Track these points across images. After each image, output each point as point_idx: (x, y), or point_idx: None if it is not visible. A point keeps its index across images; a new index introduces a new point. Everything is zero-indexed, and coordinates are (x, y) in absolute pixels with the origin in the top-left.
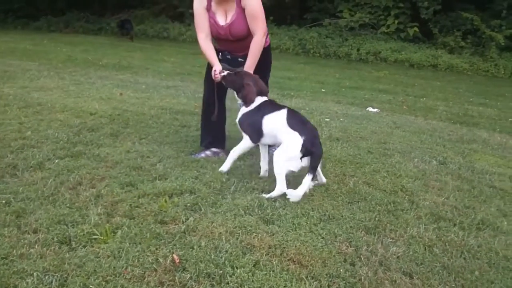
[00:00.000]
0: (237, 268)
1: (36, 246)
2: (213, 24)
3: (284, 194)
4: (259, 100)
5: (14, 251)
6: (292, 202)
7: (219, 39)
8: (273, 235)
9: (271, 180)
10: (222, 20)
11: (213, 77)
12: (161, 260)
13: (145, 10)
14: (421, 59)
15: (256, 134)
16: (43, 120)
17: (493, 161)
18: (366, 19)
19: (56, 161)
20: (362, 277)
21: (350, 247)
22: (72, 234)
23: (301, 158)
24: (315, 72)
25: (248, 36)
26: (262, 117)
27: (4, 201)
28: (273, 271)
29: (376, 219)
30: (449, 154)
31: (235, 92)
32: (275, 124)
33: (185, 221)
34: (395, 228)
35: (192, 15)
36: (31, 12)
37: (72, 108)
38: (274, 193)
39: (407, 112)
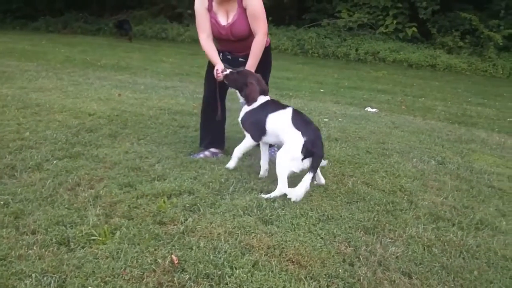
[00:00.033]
0: (236, 268)
1: (35, 247)
2: (214, 24)
3: (284, 194)
4: (262, 99)
5: (13, 252)
6: (293, 201)
7: (221, 39)
8: (272, 235)
9: (270, 180)
10: (223, 20)
11: (216, 76)
12: (160, 260)
13: (144, 11)
14: (420, 59)
15: (259, 132)
16: (41, 121)
17: (492, 161)
18: (364, 19)
19: (55, 162)
20: (361, 277)
21: (349, 247)
22: (70, 235)
23: (303, 159)
24: (313, 72)
25: (249, 36)
26: (266, 116)
27: (2, 202)
28: (272, 271)
29: (375, 219)
30: (448, 154)
31: (237, 91)
32: (279, 122)
33: (184, 222)
34: (394, 228)
35: (190, 15)
36: (29, 13)
37: (71, 109)
38: (274, 193)
39: (406, 112)
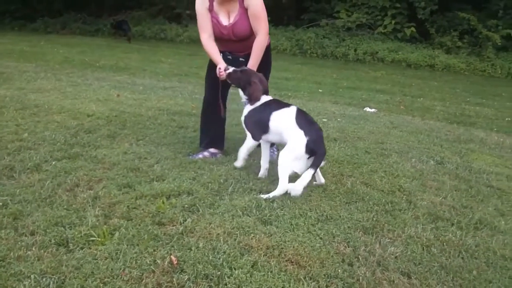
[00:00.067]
0: (235, 269)
1: (34, 248)
2: (216, 24)
3: (283, 195)
4: (265, 98)
5: (11, 253)
6: (292, 196)
7: (222, 39)
8: (271, 235)
9: (269, 181)
10: (225, 20)
11: (218, 75)
12: (159, 261)
13: (142, 11)
14: (418, 59)
15: (260, 131)
16: (40, 121)
17: (491, 160)
18: (363, 20)
19: (53, 163)
20: (360, 278)
21: (348, 247)
22: (69, 236)
23: (308, 158)
24: (312, 73)
25: (250, 36)
26: (270, 114)
27: (1, 203)
28: (271, 272)
29: (374, 219)
30: (447, 154)
31: (239, 90)
32: (283, 120)
33: (183, 222)
34: (393, 228)
35: (189, 16)
36: (28, 14)
37: (69, 109)
38: (274, 193)
39: (404, 112)
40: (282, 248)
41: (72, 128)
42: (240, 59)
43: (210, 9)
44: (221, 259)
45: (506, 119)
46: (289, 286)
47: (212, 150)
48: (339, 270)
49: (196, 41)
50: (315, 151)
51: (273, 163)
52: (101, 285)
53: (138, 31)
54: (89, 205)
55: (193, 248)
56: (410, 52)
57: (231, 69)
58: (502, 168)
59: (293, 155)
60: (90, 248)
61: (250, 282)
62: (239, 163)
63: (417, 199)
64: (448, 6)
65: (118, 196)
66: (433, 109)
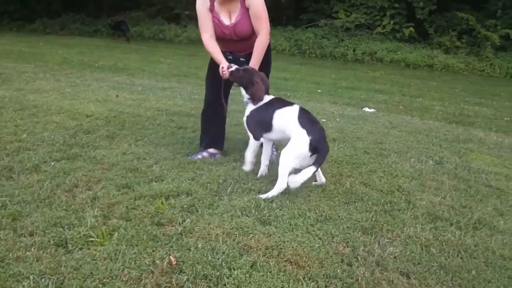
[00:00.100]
0: (234, 269)
1: (33, 249)
2: (217, 24)
3: (282, 195)
4: (267, 97)
5: (10, 254)
6: (290, 188)
7: (224, 39)
8: (270, 236)
9: (268, 181)
10: (226, 20)
11: (221, 74)
12: (158, 262)
13: (141, 12)
14: (417, 59)
15: (261, 130)
16: (39, 122)
17: (489, 160)
18: (361, 20)
19: (52, 163)
20: (359, 278)
21: (347, 247)
22: (68, 237)
23: (311, 156)
24: (311, 73)
25: (252, 35)
26: (273, 112)
27: (0, 204)
28: (270, 272)
29: (373, 219)
30: (446, 154)
31: (242, 89)
32: (286, 119)
33: (182, 223)
34: (392, 228)
35: (188, 16)
36: (26, 14)
37: (68, 110)
38: (273, 191)
39: (403, 112)
40: (281, 248)
41: (71, 129)
42: (241, 59)
43: (211, 9)
44: (220, 259)
45: (505, 118)
46: (288, 286)
47: (211, 150)
48: (338, 270)
49: (195, 41)
50: (318, 149)
51: (272, 163)
52: (100, 285)
53: (136, 32)
54: (88, 206)
55: (192, 249)
56: (408, 52)
57: (234, 67)
58: (501, 167)
59: (296, 153)
60: (89, 249)
61: (249, 282)
62: (247, 167)
63: (416, 199)
64: (447, 6)
65: (117, 197)
66: (432, 109)
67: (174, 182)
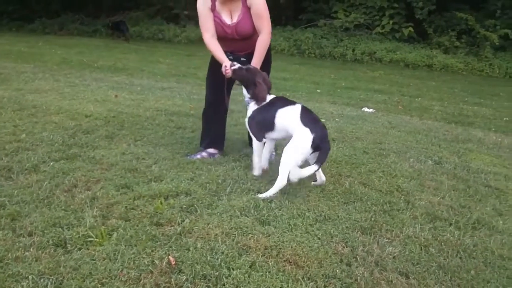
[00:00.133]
0: (233, 269)
1: (31, 249)
2: (218, 23)
3: (281, 194)
4: (269, 97)
5: (9, 254)
6: (290, 180)
7: (225, 38)
8: (269, 236)
9: (266, 181)
10: (227, 19)
11: (224, 72)
12: (157, 262)
13: (140, 12)
14: (416, 59)
15: (264, 131)
16: (38, 122)
17: (488, 160)
18: (361, 20)
19: (51, 163)
20: (358, 278)
21: (346, 247)
22: (67, 237)
23: (311, 154)
24: (310, 73)
25: (253, 35)
26: (275, 112)
27: None
28: (269, 272)
29: (372, 219)
30: (445, 154)
31: (243, 88)
32: (288, 118)
33: (181, 223)
34: (391, 228)
35: (187, 16)
36: (25, 14)
37: (67, 110)
38: (274, 189)
39: (403, 112)
40: (280, 248)
41: (70, 129)
42: (242, 58)
43: (213, 9)
44: (219, 259)
45: (504, 118)
46: (287, 286)
47: (210, 150)
48: (337, 270)
49: (194, 41)
50: (320, 147)
51: (271, 164)
52: (99, 285)
53: (136, 32)
54: (87, 206)
55: (191, 249)
56: (408, 52)
57: (236, 65)
58: (500, 168)
59: (298, 151)
60: (88, 249)
61: (248, 282)
62: (256, 171)
63: (415, 199)
64: (446, 6)
65: (116, 197)
66: (431, 109)
67: (173, 182)
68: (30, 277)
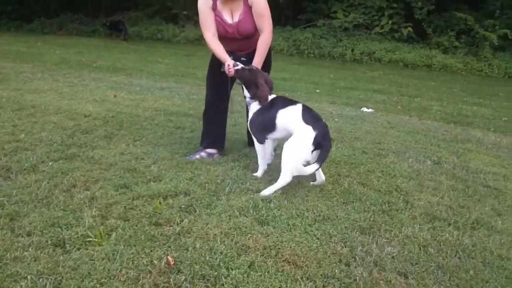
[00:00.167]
0: (232, 269)
1: (30, 249)
2: (220, 22)
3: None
4: (270, 97)
5: (8, 254)
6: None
7: (226, 38)
8: (268, 236)
9: (266, 181)
10: (228, 18)
11: (227, 71)
12: (155, 262)
13: (139, 12)
14: (415, 59)
15: (265, 133)
16: (36, 122)
17: (488, 160)
18: (360, 20)
19: (50, 163)
20: (357, 278)
21: (345, 247)
22: (66, 237)
23: (312, 151)
24: (309, 73)
25: (254, 34)
26: (276, 112)
27: None
28: (268, 272)
29: (371, 219)
30: (444, 154)
31: (244, 88)
32: (290, 118)
33: (180, 223)
34: (390, 228)
35: (186, 16)
36: (24, 14)
37: (66, 110)
38: (277, 185)
39: (402, 112)
40: (279, 249)
41: (69, 129)
42: (242, 58)
43: (214, 8)
44: (218, 259)
45: (503, 119)
46: (286, 286)
47: (209, 150)
48: (336, 270)
49: (193, 41)
50: (322, 144)
51: (270, 164)
52: (98, 285)
53: (135, 32)
54: (86, 206)
55: (190, 249)
56: (407, 52)
57: (239, 66)
58: (499, 168)
59: (300, 146)
60: (87, 249)
61: (247, 282)
62: (259, 172)
63: (414, 199)
64: (445, 6)
65: (115, 197)
66: (430, 109)
67: (172, 182)
68: (29, 277)
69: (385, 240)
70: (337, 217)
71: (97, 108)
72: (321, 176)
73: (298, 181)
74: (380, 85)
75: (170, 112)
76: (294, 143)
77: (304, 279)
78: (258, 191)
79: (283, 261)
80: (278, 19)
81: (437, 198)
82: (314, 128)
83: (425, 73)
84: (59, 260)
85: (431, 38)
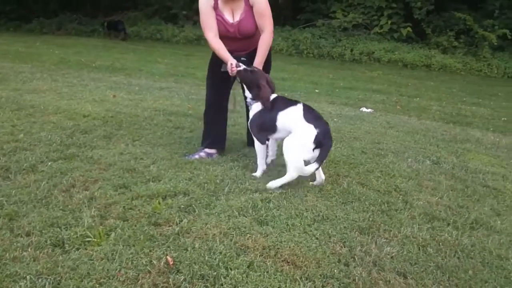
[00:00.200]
0: (231, 269)
1: (29, 249)
2: (221, 22)
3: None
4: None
5: (7, 254)
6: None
7: (226, 37)
8: (267, 236)
9: (265, 181)
10: (229, 18)
11: (230, 71)
12: (155, 262)
13: (138, 12)
14: (415, 59)
15: (266, 133)
16: (35, 122)
17: (487, 160)
18: (359, 20)
19: (49, 163)
20: (356, 278)
21: (344, 247)
22: (65, 237)
23: (313, 150)
24: (308, 73)
25: (255, 33)
26: (277, 113)
27: None
28: (267, 272)
29: (370, 219)
30: (443, 154)
31: (245, 88)
32: (291, 118)
33: (179, 223)
34: (389, 228)
35: (185, 16)
36: (23, 14)
37: (65, 110)
38: (281, 180)
39: (401, 112)
40: (278, 249)
41: (68, 129)
42: (242, 58)
43: (215, 7)
44: (217, 259)
45: (502, 119)
46: (285, 286)
47: (208, 150)
48: (335, 270)
49: (192, 41)
50: (323, 143)
51: (268, 164)
52: (97, 285)
53: (134, 32)
54: (85, 206)
55: (189, 249)
56: (406, 52)
57: (241, 67)
58: (498, 168)
59: (300, 142)
60: (86, 249)
61: (246, 282)
62: (258, 173)
63: (413, 199)
64: (444, 6)
65: (114, 197)
66: (429, 109)
67: (171, 182)
68: (28, 277)
69: (384, 240)
70: (336, 217)
71: (96, 108)
72: (321, 176)
73: (298, 181)
74: (379, 85)
75: (169, 112)
76: (294, 140)
77: (303, 279)
78: (257, 191)
79: (282, 261)
80: (277, 19)
81: (436, 198)
82: (315, 127)
83: (424, 73)
84: (58, 260)
85: (430, 38)
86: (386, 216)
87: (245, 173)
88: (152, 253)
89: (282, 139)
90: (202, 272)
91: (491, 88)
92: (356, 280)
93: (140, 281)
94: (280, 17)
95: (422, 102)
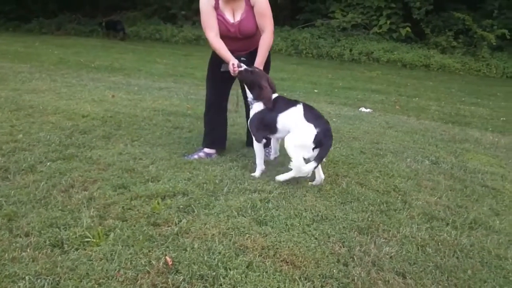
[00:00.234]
0: (230, 269)
1: (28, 250)
2: (222, 22)
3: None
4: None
5: (6, 254)
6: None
7: (227, 37)
8: (266, 236)
9: (264, 181)
10: (230, 18)
11: (232, 70)
12: (154, 262)
13: (137, 12)
14: (414, 59)
15: (265, 133)
16: (34, 122)
17: (485, 160)
18: (358, 20)
19: (48, 163)
20: (355, 278)
21: (343, 247)
22: (64, 237)
23: (313, 149)
24: (307, 73)
25: (255, 33)
26: (278, 114)
27: None
28: (266, 272)
29: (369, 219)
30: (442, 154)
31: (246, 89)
32: (291, 120)
33: (178, 223)
34: (388, 228)
35: (184, 16)
36: (22, 14)
37: (64, 110)
38: (289, 174)
39: (400, 112)
40: (277, 249)
41: (67, 129)
42: (242, 58)
43: (216, 7)
44: (216, 259)
45: (501, 119)
46: (284, 286)
47: (207, 150)
48: (334, 270)
49: (191, 41)
50: (323, 142)
51: (268, 163)
52: (96, 286)
53: (133, 32)
54: (84, 206)
55: (188, 249)
56: (405, 52)
57: (243, 67)
58: (497, 167)
59: (299, 141)
60: (85, 249)
61: (245, 282)
62: (257, 173)
63: (412, 199)
64: (443, 6)
65: (113, 197)
66: (428, 109)
67: (170, 182)
68: (27, 277)
69: (383, 240)
70: (335, 217)
71: (95, 108)
72: (320, 176)
73: (297, 181)
74: (378, 85)
75: (168, 112)
76: (294, 140)
77: (302, 279)
78: (256, 191)
79: (281, 261)
80: (276, 19)
81: (435, 198)
82: (315, 126)
83: (423, 73)
84: (57, 260)
85: (429, 38)
86: (385, 216)
87: (244, 173)
88: (151, 253)
89: (283, 138)
90: (201, 272)
91: (490, 88)
92: (355, 280)
93: (139, 282)
94: (279, 17)
95: (421, 102)
